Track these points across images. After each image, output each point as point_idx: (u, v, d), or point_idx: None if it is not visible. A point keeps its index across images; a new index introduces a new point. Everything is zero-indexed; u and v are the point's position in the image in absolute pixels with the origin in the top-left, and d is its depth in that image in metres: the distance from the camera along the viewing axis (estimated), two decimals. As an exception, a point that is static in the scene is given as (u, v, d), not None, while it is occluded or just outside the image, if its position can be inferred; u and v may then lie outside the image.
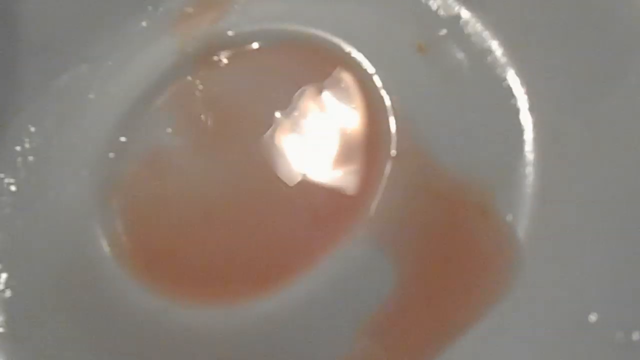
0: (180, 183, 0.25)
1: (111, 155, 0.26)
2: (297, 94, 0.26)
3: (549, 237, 0.21)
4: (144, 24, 0.31)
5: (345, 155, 0.24)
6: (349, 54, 0.26)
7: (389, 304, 0.21)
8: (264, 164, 0.24)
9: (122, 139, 0.27)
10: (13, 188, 0.28)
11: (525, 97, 0.24)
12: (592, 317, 0.19)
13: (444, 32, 0.26)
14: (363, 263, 0.21)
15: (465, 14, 0.26)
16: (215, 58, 0.28)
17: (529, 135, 0.23)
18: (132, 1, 0.31)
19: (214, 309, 0.22)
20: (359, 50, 0.26)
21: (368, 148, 0.23)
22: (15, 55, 0.30)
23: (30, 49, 0.30)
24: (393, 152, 0.23)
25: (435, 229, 0.22)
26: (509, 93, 0.24)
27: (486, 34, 0.25)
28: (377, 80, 0.25)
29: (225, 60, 0.28)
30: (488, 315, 0.20)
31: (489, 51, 0.25)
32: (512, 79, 0.24)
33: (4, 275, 0.26)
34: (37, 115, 0.29)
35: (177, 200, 0.25)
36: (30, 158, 0.28)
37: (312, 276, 0.21)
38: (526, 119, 0.23)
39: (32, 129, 0.29)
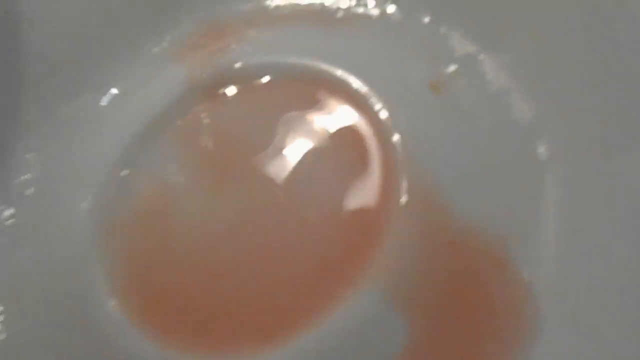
0: (184, 221, 0.24)
1: (114, 189, 0.26)
2: (305, 131, 0.25)
3: (570, 296, 0.20)
4: (152, 53, 0.30)
5: (353, 200, 0.23)
6: (359, 90, 0.25)
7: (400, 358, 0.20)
8: (270, 206, 0.23)
9: (125, 172, 0.26)
10: (11, 221, 0.27)
11: (545, 141, 0.23)
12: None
13: (458, 71, 0.25)
14: (373, 317, 0.20)
15: (480, 52, 0.25)
16: (223, 90, 0.27)
17: (548, 183, 0.22)
18: (140, 30, 0.30)
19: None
20: (370, 87, 0.25)
21: (377, 193, 0.22)
22: (19, 83, 0.30)
23: (34, 77, 0.30)
24: (403, 197, 0.22)
25: (449, 282, 0.21)
26: (527, 137, 0.23)
27: (502, 74, 0.24)
28: (388, 120, 0.24)
29: (233, 93, 0.27)
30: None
31: (506, 92, 0.24)
32: (531, 123, 0.23)
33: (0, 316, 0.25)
34: (39, 146, 0.29)
35: (180, 239, 0.24)
36: (30, 190, 0.28)
37: (319, 329, 0.20)
38: (546, 165, 0.22)
39: (34, 160, 0.28)
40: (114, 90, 0.29)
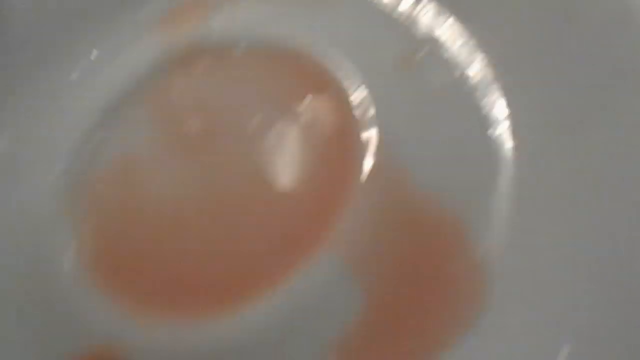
0: (151, 192, 0.24)
1: (82, 158, 0.26)
2: (274, 104, 0.25)
3: (523, 268, 0.20)
4: (127, 22, 0.30)
5: (318, 172, 0.23)
6: (330, 65, 0.25)
7: (354, 329, 0.20)
8: (235, 176, 0.24)
9: (95, 142, 0.26)
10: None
11: (508, 121, 0.23)
12: (564, 351, 0.18)
13: (429, 48, 0.25)
14: (329, 285, 0.20)
15: (453, 29, 0.25)
16: (198, 62, 0.27)
17: (508, 161, 0.22)
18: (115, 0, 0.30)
19: (174, 325, 0.21)
20: (341, 62, 0.25)
21: (341, 166, 0.22)
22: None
23: (7, 45, 0.29)
24: (366, 171, 0.22)
25: (406, 254, 0.21)
26: (491, 116, 0.23)
27: (474, 52, 0.24)
28: (357, 96, 0.24)
29: (205, 66, 0.27)
30: (454, 346, 0.19)
31: (475, 70, 0.24)
32: (497, 101, 0.23)
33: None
34: (10, 113, 0.29)
35: (147, 209, 0.24)
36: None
37: (275, 296, 0.20)
38: (507, 145, 0.22)
39: (3, 127, 0.28)
40: (86, 60, 0.29)
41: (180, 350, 0.21)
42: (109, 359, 0.21)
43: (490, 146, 0.22)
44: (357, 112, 0.23)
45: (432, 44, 0.25)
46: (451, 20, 0.25)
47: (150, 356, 0.21)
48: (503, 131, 0.23)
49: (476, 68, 0.24)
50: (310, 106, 0.24)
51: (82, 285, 0.23)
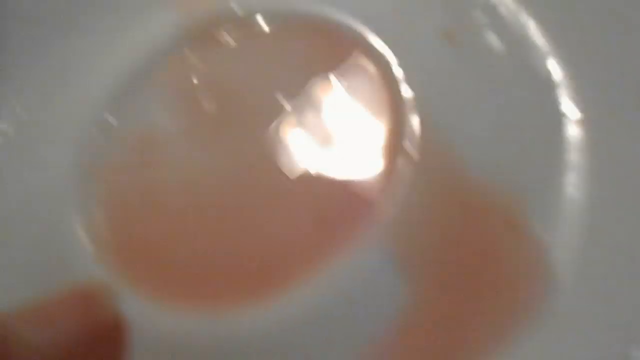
0: (172, 172, 0.23)
1: (98, 137, 0.24)
2: (307, 81, 0.23)
3: (589, 262, 0.18)
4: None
5: (359, 154, 0.21)
6: (367, 39, 0.23)
7: (398, 323, 0.18)
8: (266, 156, 0.22)
9: (111, 119, 0.24)
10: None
11: (572, 96, 0.21)
12: (636, 353, 0.16)
13: (475, 17, 0.23)
14: (372, 274, 0.19)
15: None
16: (219, 35, 0.25)
17: (573, 144, 0.20)
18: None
19: (199, 315, 0.19)
20: (379, 35, 0.23)
21: (385, 147, 0.20)
22: (3, 25, 0.28)
23: (19, 17, 0.28)
24: (414, 152, 0.20)
25: (458, 242, 0.19)
26: (550, 91, 0.21)
27: (525, 20, 0.22)
28: (398, 72, 0.22)
29: (230, 39, 0.25)
30: (513, 346, 0.17)
31: (529, 41, 0.22)
32: (557, 74, 0.21)
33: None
34: (22, 89, 0.27)
35: (167, 191, 0.22)
36: (11, 132, 0.26)
37: (312, 286, 0.19)
38: (572, 124, 0.20)
39: (16, 103, 0.27)
40: (102, 34, 0.27)
41: (200, 340, 0.19)
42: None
43: (553, 125, 0.20)
44: (401, 90, 0.21)
45: (478, 14, 0.23)
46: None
47: (168, 345, 0.19)
48: (567, 108, 0.20)
49: (530, 38, 0.22)
50: (349, 83, 0.22)
51: (97, 271, 0.21)
